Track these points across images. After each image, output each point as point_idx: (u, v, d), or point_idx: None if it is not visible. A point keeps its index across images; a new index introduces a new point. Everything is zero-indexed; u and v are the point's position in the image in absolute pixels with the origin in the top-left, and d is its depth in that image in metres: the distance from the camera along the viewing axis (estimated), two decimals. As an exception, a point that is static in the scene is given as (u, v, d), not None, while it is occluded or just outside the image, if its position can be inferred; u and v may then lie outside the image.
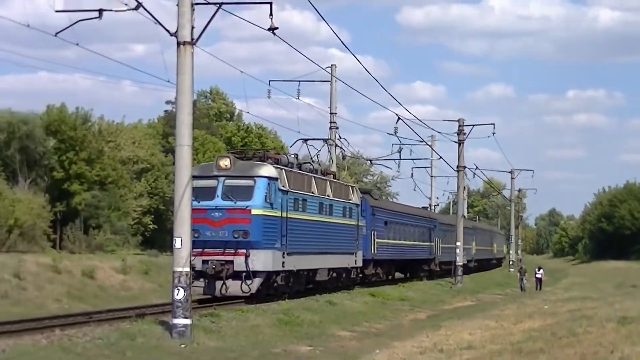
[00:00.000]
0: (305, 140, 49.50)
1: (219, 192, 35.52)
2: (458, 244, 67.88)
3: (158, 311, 29.59)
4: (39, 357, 20.05)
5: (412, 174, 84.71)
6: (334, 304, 39.01)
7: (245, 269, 34.90)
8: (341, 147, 61.16)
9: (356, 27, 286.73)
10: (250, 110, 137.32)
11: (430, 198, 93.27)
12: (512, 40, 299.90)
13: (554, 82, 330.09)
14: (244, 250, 34.91)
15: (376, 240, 53.21)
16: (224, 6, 27.40)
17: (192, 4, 25.84)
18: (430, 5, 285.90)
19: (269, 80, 59.16)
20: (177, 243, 25.68)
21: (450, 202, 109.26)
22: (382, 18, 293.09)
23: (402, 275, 66.64)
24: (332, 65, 58.05)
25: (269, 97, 55.17)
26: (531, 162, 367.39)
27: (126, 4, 26.36)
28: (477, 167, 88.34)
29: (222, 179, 35.78)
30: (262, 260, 35.56)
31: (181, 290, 25.45)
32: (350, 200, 47.44)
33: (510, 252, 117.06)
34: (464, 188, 77.35)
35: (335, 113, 58.70)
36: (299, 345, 27.34)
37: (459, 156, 70.08)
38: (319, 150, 50.66)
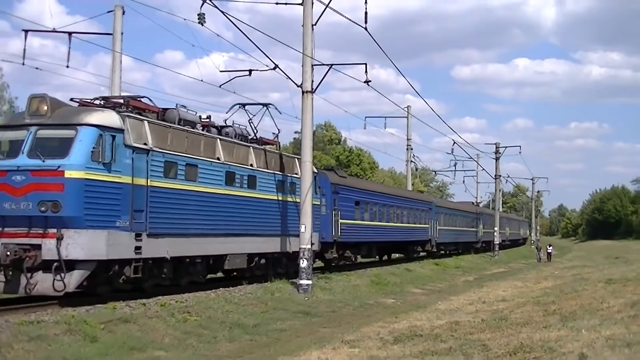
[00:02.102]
0: (244, 105, 28.99)
1: (26, 146, 17.55)
2: (496, 229, 66.91)
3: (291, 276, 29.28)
4: (209, 304, 19.99)
5: (463, 180, 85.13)
6: (410, 270, 38.52)
7: (57, 258, 17.08)
8: (415, 162, 61.35)
9: (424, 79, 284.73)
10: (351, 137, 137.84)
11: (476, 197, 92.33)
12: (532, 88, 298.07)
13: (561, 117, 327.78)
14: (56, 230, 17.13)
15: (340, 221, 34.07)
16: (334, 66, 27.29)
17: (312, 65, 25.74)
18: (474, 64, 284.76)
19: (365, 117, 60.25)
20: (302, 228, 25.41)
21: (490, 200, 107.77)
22: (441, 73, 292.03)
23: (402, 256, 48.65)
24: (408, 106, 58.37)
25: (364, 128, 55.74)
26: (546, 172, 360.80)
27: (267, 66, 26.63)
28: (508, 176, 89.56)
29: (34, 128, 17.79)
30: (85, 244, 17.35)
31: (305, 261, 25.19)
32: (295, 174, 28.25)
33: (532, 234, 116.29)
34: (500, 190, 76.40)
35: (410, 139, 58.28)
36: (386, 299, 27.01)
37: (496, 168, 69.63)
38: (254, 115, 28.48)
